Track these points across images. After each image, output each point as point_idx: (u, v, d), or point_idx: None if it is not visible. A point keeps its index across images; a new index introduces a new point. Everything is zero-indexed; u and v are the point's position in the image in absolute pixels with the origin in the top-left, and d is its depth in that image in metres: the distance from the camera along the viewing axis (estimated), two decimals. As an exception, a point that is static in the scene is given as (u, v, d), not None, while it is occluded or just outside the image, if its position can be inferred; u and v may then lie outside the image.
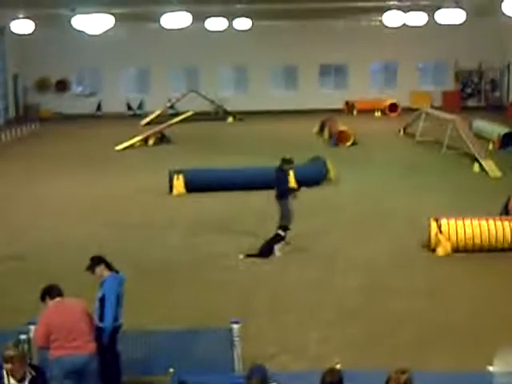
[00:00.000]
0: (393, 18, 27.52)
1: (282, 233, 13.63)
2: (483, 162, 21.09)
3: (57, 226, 16.20)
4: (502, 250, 13.31)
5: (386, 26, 30.63)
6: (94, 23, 22.03)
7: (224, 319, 8.94)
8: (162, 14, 24.79)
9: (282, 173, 14.51)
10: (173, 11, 24.15)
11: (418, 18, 27.15)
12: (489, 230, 13.33)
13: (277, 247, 13.56)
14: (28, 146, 28.58)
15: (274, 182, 14.46)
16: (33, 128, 33.48)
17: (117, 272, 8.17)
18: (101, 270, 8.07)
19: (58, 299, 7.54)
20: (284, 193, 14.33)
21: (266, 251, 13.52)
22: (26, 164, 24.27)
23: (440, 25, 27.63)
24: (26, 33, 27.92)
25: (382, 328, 10.11)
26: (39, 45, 36.95)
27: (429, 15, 26.73)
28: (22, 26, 26.74)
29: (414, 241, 14.05)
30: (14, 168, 23.66)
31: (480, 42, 37.08)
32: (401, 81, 38.91)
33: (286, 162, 14.61)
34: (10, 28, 28.58)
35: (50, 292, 7.58)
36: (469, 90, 39.05)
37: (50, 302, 7.53)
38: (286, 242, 13.70)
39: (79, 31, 24.60)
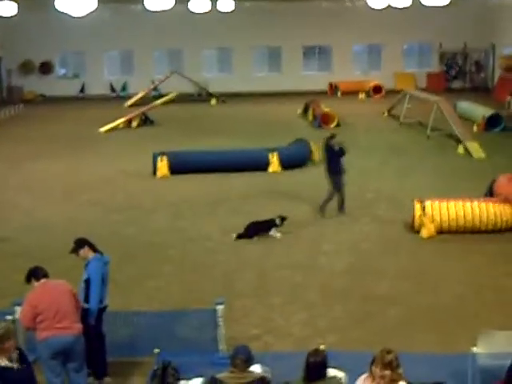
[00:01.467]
0: (377, 0, 27.42)
1: (278, 222, 13.64)
2: (468, 144, 21.13)
3: (41, 208, 16.10)
4: (486, 231, 13.36)
5: (371, 8, 30.50)
6: (77, 5, 21.71)
7: (209, 300, 8.93)
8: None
9: (331, 149, 14.92)
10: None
11: (403, 0, 27.02)
12: (473, 211, 13.37)
13: (274, 230, 13.59)
14: (12, 129, 28.31)
15: (326, 160, 15.01)
16: (16, 110, 33.15)
17: (101, 254, 8.13)
18: (85, 251, 8.04)
19: (43, 280, 7.50)
20: (338, 168, 14.79)
21: (252, 232, 13.52)
22: (9, 146, 24.05)
23: (425, 6, 27.50)
24: (9, 15, 27.54)
25: (367, 309, 10.14)
26: (23, 27, 36.52)
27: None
28: (6, 8, 26.38)
29: (399, 223, 14.09)
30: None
31: (464, 23, 37.06)
32: (385, 62, 38.86)
33: (332, 137, 15.14)
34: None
35: (36, 273, 7.54)
36: (453, 72, 39.05)
37: (36, 284, 7.48)
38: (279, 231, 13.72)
39: (62, 13, 24.28)
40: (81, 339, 7.47)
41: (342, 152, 14.84)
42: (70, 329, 7.36)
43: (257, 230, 13.60)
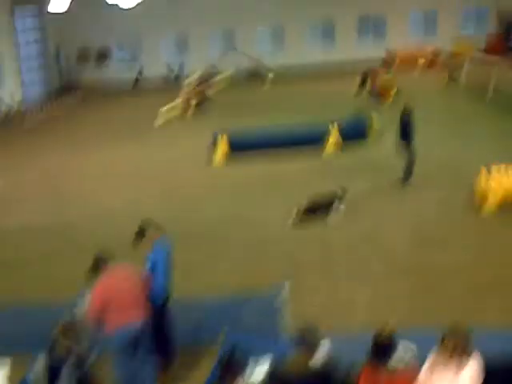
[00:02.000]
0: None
1: (340, 193, 13.52)
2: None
3: (101, 195, 16.37)
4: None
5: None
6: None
7: (273, 282, 8.94)
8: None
9: (408, 117, 14.95)
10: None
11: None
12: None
13: (337, 202, 13.46)
14: (73, 116, 28.83)
15: (403, 127, 14.93)
16: (77, 97, 33.72)
17: (165, 238, 8.16)
18: (152, 233, 8.07)
19: (109, 268, 7.56)
20: (410, 136, 14.81)
21: (314, 209, 13.40)
22: (71, 133, 24.53)
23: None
24: (61, 11, 28.09)
25: (431, 282, 10.04)
26: (79, 18, 37.23)
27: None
28: (57, 4, 27.01)
29: (463, 193, 13.79)
30: (60, 138, 23.94)
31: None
32: (442, 28, 37.91)
33: (407, 106, 15.16)
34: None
35: (100, 262, 7.58)
36: (513, 34, 37.85)
37: (103, 273, 7.52)
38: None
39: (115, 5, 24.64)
40: (148, 325, 7.57)
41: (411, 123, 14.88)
42: (139, 316, 7.47)
43: (319, 205, 13.51)
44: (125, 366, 7.44)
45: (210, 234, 13.03)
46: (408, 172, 14.99)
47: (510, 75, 22.71)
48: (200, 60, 36.47)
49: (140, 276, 7.75)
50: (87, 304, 7.50)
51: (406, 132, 14.88)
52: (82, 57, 39.33)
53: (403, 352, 6.43)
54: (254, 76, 34.96)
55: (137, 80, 38.33)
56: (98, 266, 7.58)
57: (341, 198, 13.54)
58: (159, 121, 25.34)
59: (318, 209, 13.43)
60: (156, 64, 38.71)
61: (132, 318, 7.42)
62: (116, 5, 26.77)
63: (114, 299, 7.36)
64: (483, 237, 11.73)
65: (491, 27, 37.87)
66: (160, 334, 7.88)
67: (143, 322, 7.50)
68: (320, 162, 17.74)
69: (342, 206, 13.47)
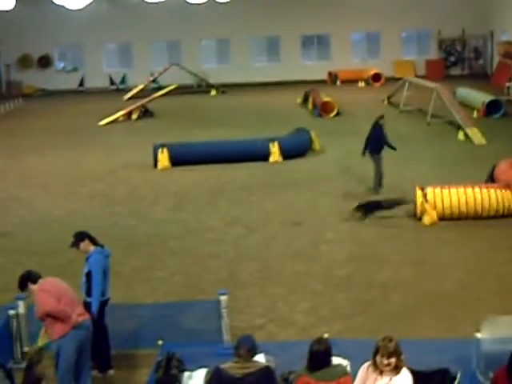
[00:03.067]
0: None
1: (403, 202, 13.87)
2: (468, 130, 21.09)
3: (41, 201, 16.10)
4: (488, 217, 13.35)
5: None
6: (73, -3, 21.68)
7: (212, 291, 8.93)
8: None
9: (380, 128, 15.76)
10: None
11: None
12: (474, 197, 13.36)
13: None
14: (11, 123, 28.29)
15: (373, 137, 15.75)
16: (16, 104, 33.13)
17: (102, 246, 8.13)
18: (85, 245, 8.02)
19: (40, 280, 7.39)
20: (382, 147, 15.64)
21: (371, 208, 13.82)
22: (9, 140, 24.05)
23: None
24: (7, 9, 27.47)
25: (370, 297, 10.15)
26: (20, 21, 36.46)
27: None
28: (3, 2, 26.34)
29: (401, 210, 14.05)
30: (-4, 145, 23.45)
31: (463, 10, 36.95)
32: (384, 50, 38.75)
33: (381, 117, 16.05)
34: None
35: (31, 277, 7.39)
36: (452, 59, 38.96)
37: (33, 286, 7.31)
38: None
39: (59, 6, 24.29)
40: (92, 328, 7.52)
41: (385, 133, 15.83)
42: (86, 315, 7.43)
43: (379, 205, 13.82)
44: (66, 374, 7.28)
45: (151, 241, 12.94)
46: (378, 181, 15.64)
47: (448, 100, 23.31)
48: (143, 72, 36.37)
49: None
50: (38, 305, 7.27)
51: (377, 144, 15.63)
52: (23, 62, 38.62)
53: (338, 363, 6.51)
54: (198, 90, 35.05)
55: (79, 89, 37.92)
56: (26, 282, 7.37)
57: (400, 204, 13.83)
58: (103, 122, 25.19)
59: (377, 208, 13.77)
60: (98, 75, 38.36)
61: (81, 316, 7.32)
62: (61, 8, 26.35)
63: (61, 296, 7.23)
64: (421, 252, 11.96)
65: (432, 52, 38.91)
66: (97, 341, 7.78)
67: (89, 322, 7.41)
68: (263, 173, 17.86)
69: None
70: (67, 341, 7.16)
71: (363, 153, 15.91)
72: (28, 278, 7.37)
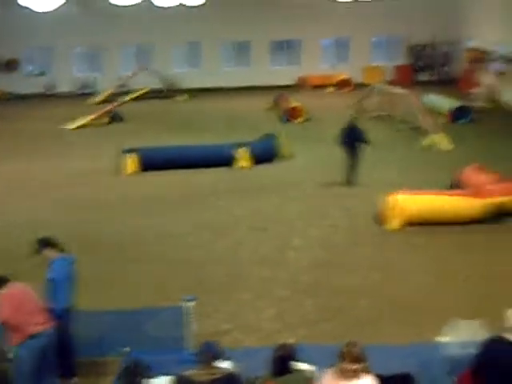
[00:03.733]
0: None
1: None
2: (435, 136, 21.30)
3: (6, 206, 15.91)
4: (454, 223, 13.47)
5: (339, 1, 30.57)
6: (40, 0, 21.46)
7: (180, 297, 8.90)
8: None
9: (356, 127, 17.02)
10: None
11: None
12: (441, 203, 13.50)
13: None
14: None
15: (351, 136, 16.82)
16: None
17: (66, 253, 8.05)
18: (48, 251, 7.94)
19: (8, 284, 7.40)
20: (360, 144, 16.79)
21: None
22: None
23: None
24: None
25: (336, 303, 10.20)
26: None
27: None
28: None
29: (369, 216, 14.16)
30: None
31: (432, 16, 37.28)
32: (353, 56, 38.96)
33: (356, 118, 17.79)
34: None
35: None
36: (421, 65, 39.31)
37: (1, 290, 7.36)
38: None
39: (28, 9, 24.03)
40: (55, 337, 7.45)
41: (361, 131, 17.02)
42: (48, 324, 7.38)
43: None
44: (23, 376, 7.22)
45: (118, 247, 12.88)
46: (353, 175, 16.71)
47: (417, 106, 23.51)
48: (113, 76, 36.15)
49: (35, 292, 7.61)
50: None
51: (353, 142, 16.73)
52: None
53: (303, 368, 6.52)
54: (167, 94, 34.92)
55: (47, 93, 37.57)
56: None
57: None
58: (71, 126, 25.15)
59: None
60: (66, 78, 38.03)
61: (41, 325, 7.23)
62: (30, 11, 26.00)
63: (22, 305, 7.20)
64: (388, 258, 12.05)
65: (401, 58, 39.22)
66: (61, 348, 7.71)
67: (52, 329, 7.33)
68: (232, 178, 17.87)
69: None
70: (24, 349, 7.13)
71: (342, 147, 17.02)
72: None
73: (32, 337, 7.13)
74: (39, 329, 7.19)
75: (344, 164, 16.85)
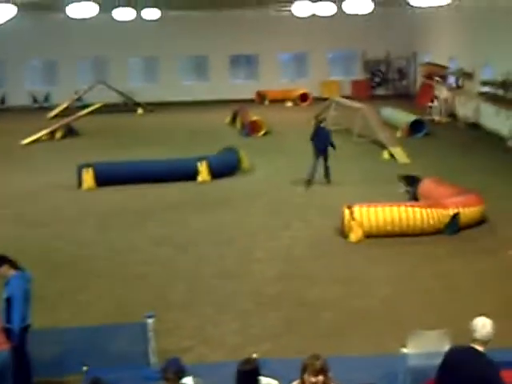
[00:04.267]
0: (302, 8, 27.65)
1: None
2: (392, 149, 21.52)
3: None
4: (413, 234, 13.59)
5: (296, 16, 30.80)
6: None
7: (140, 313, 8.76)
8: (67, 4, 24.06)
9: (325, 129, 18.71)
10: (79, 0, 23.46)
11: (327, 8, 27.36)
12: (400, 215, 13.58)
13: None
14: None
15: (317, 139, 18.34)
16: None
17: (22, 270, 7.85)
18: (4, 269, 7.74)
19: None
20: (327, 146, 18.32)
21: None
22: None
23: (348, 15, 27.95)
24: None
25: (299, 316, 10.15)
26: None
27: (337, 5, 26.98)
28: None
29: (329, 228, 14.19)
30: None
31: (387, 32, 37.79)
32: (311, 71, 39.26)
33: (322, 120, 19.76)
34: None
35: None
36: (377, 79, 39.81)
37: None
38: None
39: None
40: (11, 357, 7.23)
41: (329, 133, 18.72)
42: (5, 344, 7.14)
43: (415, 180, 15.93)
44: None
45: (76, 263, 12.64)
46: (328, 174, 18.25)
47: (374, 120, 23.75)
48: (68, 90, 35.75)
49: None
50: None
51: (323, 144, 18.20)
52: None
53: (268, 382, 6.45)
54: (124, 108, 34.68)
55: (1, 105, 36.99)
56: None
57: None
58: (25, 141, 24.93)
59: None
60: (19, 92, 37.48)
61: None
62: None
63: None
64: (349, 270, 12.07)
65: (357, 73, 39.66)
66: (18, 368, 7.50)
67: (7, 350, 7.12)
68: (191, 192, 17.76)
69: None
70: None
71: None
72: None
73: None
74: None
75: (311, 165, 18.26)
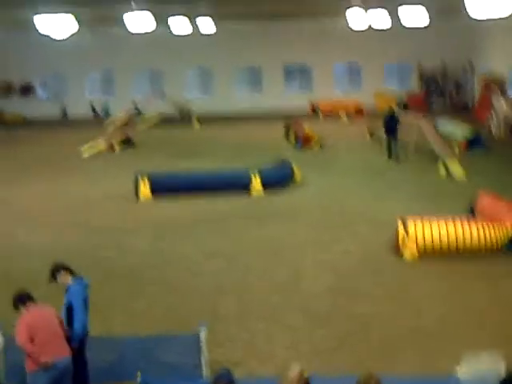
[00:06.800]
0: (357, 20, 27.54)
1: None
2: (449, 164, 21.19)
3: (22, 232, 15.92)
4: (469, 251, 13.33)
5: (351, 28, 30.74)
6: (58, 28, 21.80)
7: (190, 323, 8.85)
8: (123, 14, 24.55)
9: (394, 116, 23.79)
10: (135, 11, 23.90)
11: (383, 20, 27.19)
12: (456, 232, 13.32)
13: None
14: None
15: (392, 124, 23.42)
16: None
17: (80, 277, 8.02)
18: (63, 277, 7.91)
19: (30, 304, 7.42)
20: (397, 131, 23.27)
21: None
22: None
23: (404, 27, 27.78)
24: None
25: (349, 332, 10.08)
26: (2, 49, 36.46)
27: (393, 17, 26.81)
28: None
29: (381, 244, 14.06)
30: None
31: (443, 42, 37.42)
32: (365, 82, 39.11)
33: (392, 108, 25.52)
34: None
35: (21, 298, 7.45)
36: (433, 91, 39.35)
37: (24, 309, 7.40)
38: None
39: (44, 35, 24.34)
40: (72, 363, 7.41)
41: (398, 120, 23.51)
42: (66, 351, 7.32)
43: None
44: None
45: (131, 272, 12.84)
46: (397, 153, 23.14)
47: (430, 133, 23.46)
48: (125, 100, 36.40)
49: (58, 315, 7.60)
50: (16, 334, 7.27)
51: (393, 126, 23.16)
52: (5, 91, 38.47)
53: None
54: (180, 120, 35.10)
55: (63, 117, 37.85)
56: (17, 303, 7.44)
57: None
58: (85, 154, 25.32)
59: None
60: (80, 103, 38.34)
61: (60, 353, 7.24)
62: (45, 37, 26.37)
63: (39, 331, 7.18)
64: (401, 286, 11.94)
65: (413, 84, 39.29)
66: (76, 374, 7.66)
67: (69, 357, 7.31)
68: (243, 204, 17.85)
69: None
70: (37, 378, 7.10)
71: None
72: (19, 300, 7.44)
73: (48, 366, 7.10)
74: (55, 358, 7.15)
75: (385, 146, 23.43)
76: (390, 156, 23.06)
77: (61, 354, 7.25)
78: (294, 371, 5.88)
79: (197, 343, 8.29)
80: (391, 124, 23.29)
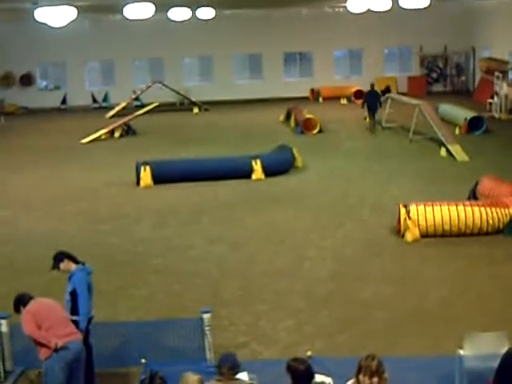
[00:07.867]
0: (357, 4, 27.42)
1: None
2: (450, 147, 21.20)
3: (23, 219, 15.97)
4: (471, 234, 13.37)
5: (351, 12, 30.62)
6: (56, 15, 21.74)
7: (195, 309, 8.90)
8: (124, 5, 24.48)
9: (376, 92, 26.75)
10: (135, 1, 23.85)
11: (382, 3, 27.04)
12: (458, 214, 13.33)
13: None
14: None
15: (373, 99, 26.08)
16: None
17: (83, 264, 8.05)
18: (65, 264, 7.96)
19: (30, 301, 7.46)
20: (377, 106, 25.98)
21: None
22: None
23: (404, 10, 27.65)
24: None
25: (352, 315, 10.13)
26: (2, 39, 36.36)
27: (393, 0, 26.68)
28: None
29: (383, 227, 14.10)
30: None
31: (444, 26, 37.27)
32: (366, 67, 38.99)
33: (373, 85, 27.19)
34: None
35: (23, 300, 7.48)
36: (434, 75, 39.26)
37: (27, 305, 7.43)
38: None
39: (42, 24, 24.27)
40: (84, 349, 7.48)
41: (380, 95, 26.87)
42: (76, 335, 7.37)
43: None
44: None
45: (134, 259, 12.88)
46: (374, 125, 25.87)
47: (431, 117, 23.44)
48: (125, 90, 36.32)
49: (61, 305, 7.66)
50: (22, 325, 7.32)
51: (373, 103, 25.70)
52: (5, 81, 38.42)
53: (321, 381, 6.48)
54: (180, 108, 35.04)
55: (61, 107, 37.81)
56: (19, 305, 7.48)
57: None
58: (85, 140, 25.44)
59: None
60: (80, 93, 38.25)
61: (73, 336, 7.30)
62: (43, 26, 26.31)
63: (47, 316, 7.24)
64: (403, 269, 11.98)
65: (414, 69, 39.18)
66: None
67: (80, 342, 7.37)
68: (245, 190, 17.88)
69: None
70: (52, 362, 7.15)
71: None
72: (20, 302, 7.47)
73: (60, 349, 7.15)
74: (65, 341, 7.20)
75: (368, 119, 26.15)
76: (372, 130, 25.56)
77: (71, 337, 7.29)
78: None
79: (200, 327, 8.34)
80: (370, 99, 25.85)
